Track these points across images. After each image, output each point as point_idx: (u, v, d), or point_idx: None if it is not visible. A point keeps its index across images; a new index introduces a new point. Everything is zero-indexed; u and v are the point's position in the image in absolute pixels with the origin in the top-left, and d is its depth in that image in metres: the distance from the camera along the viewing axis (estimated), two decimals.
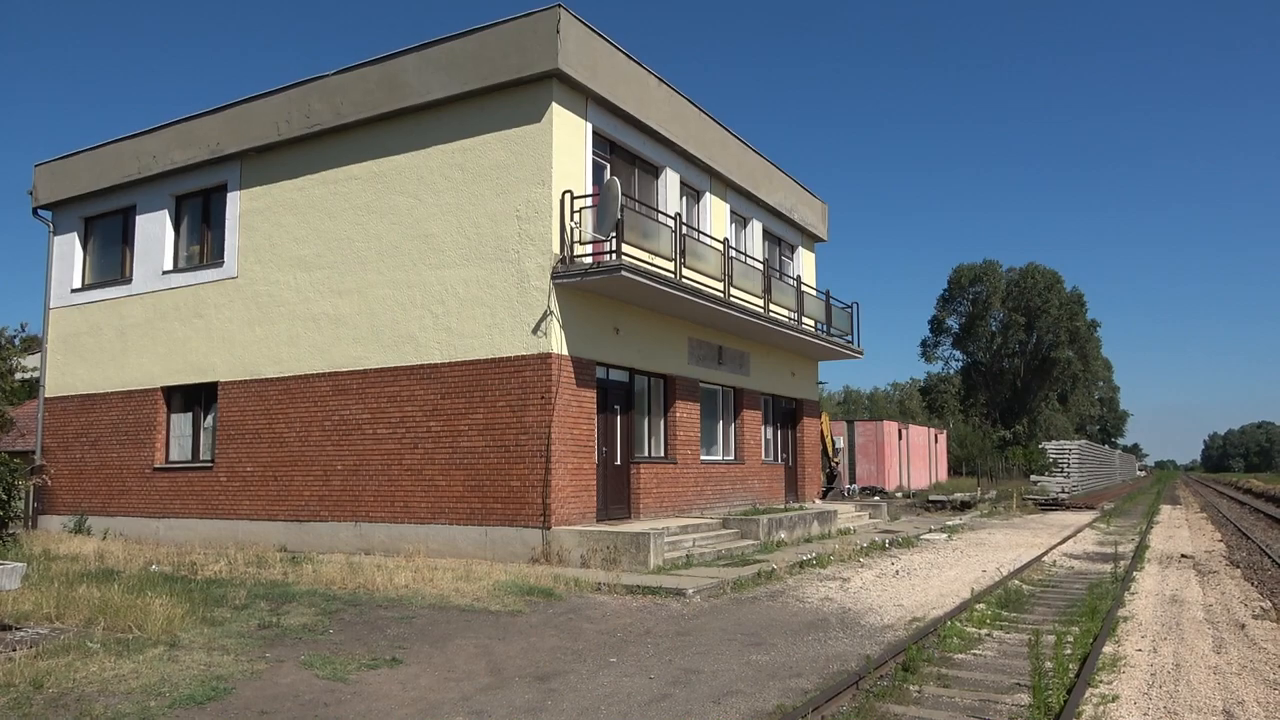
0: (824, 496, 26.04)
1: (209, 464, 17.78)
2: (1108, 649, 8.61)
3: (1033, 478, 44.58)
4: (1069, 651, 8.38)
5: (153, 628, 8.37)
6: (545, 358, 14.01)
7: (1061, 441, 48.67)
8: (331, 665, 7.52)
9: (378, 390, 15.60)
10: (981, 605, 11.00)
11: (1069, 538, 20.70)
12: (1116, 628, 9.65)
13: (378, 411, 15.55)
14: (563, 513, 13.93)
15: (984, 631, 9.60)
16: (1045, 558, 16.42)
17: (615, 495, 15.76)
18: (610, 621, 9.82)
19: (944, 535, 20.22)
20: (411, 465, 15.06)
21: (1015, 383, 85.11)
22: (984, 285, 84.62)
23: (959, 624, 9.79)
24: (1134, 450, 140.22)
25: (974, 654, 8.55)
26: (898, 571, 14.11)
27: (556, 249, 14.23)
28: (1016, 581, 13.29)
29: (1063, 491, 37.37)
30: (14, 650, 7.39)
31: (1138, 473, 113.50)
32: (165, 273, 18.94)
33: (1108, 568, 15.20)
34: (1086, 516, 28.92)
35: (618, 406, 16.12)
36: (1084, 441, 53.17)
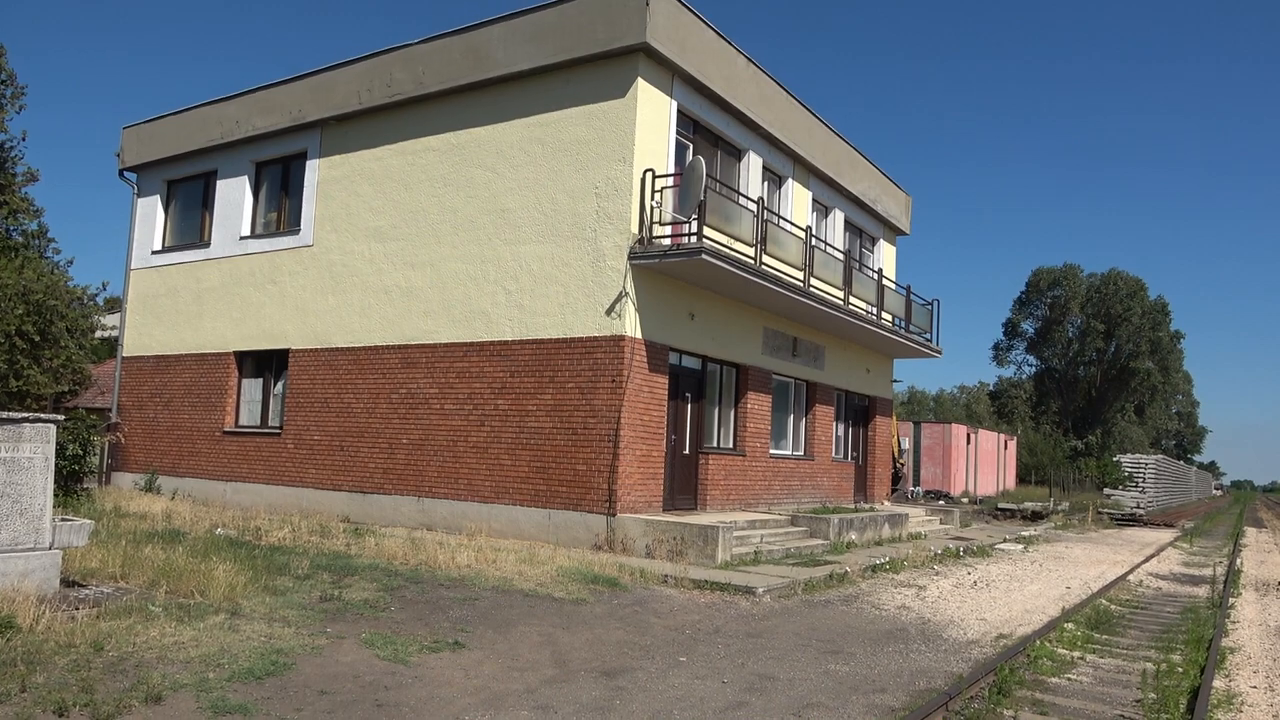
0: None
1: (277, 430, 17.84)
2: (1218, 683, 7.94)
3: (1106, 491, 42.91)
4: (1171, 683, 7.72)
5: (215, 594, 8.22)
6: (618, 340, 13.64)
7: (1138, 455, 46.77)
8: (393, 645, 7.25)
9: (446, 365, 15.41)
10: (1070, 625, 10.35)
11: (1151, 556, 19.68)
12: (1224, 660, 8.93)
13: (445, 387, 15.36)
14: (629, 500, 13.56)
15: (1075, 654, 8.97)
16: (1130, 576, 15.56)
17: (682, 485, 15.35)
18: (678, 617, 9.42)
19: (1019, 546, 19.38)
20: (477, 443, 14.84)
21: (1090, 392, 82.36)
22: (1063, 289, 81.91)
23: (1048, 644, 9.18)
24: (1211, 468, 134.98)
25: (1068, 678, 7.95)
26: (975, 582, 13.44)
27: (635, 229, 13.81)
28: (1104, 601, 12.55)
29: (1138, 507, 35.84)
30: (77, 609, 7.28)
31: (1214, 491, 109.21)
32: (243, 238, 19.04)
33: (1199, 591, 14.32)
34: (1166, 535, 27.63)
35: (688, 394, 15.68)
36: (1160, 456, 51.10)
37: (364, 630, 7.69)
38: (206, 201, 20.11)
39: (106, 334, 23.31)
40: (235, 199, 19.28)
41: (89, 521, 8.42)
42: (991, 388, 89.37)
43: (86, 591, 8.08)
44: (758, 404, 17.28)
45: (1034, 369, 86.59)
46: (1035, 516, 30.34)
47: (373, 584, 9.65)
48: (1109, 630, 10.48)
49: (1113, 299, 79.60)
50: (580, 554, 12.61)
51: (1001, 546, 19.01)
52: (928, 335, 22.62)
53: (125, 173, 21.45)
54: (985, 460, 49.20)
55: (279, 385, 18.24)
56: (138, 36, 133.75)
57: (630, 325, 13.70)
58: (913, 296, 21.84)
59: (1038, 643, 9.12)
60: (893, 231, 24.06)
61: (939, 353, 22.96)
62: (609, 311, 13.74)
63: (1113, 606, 12.23)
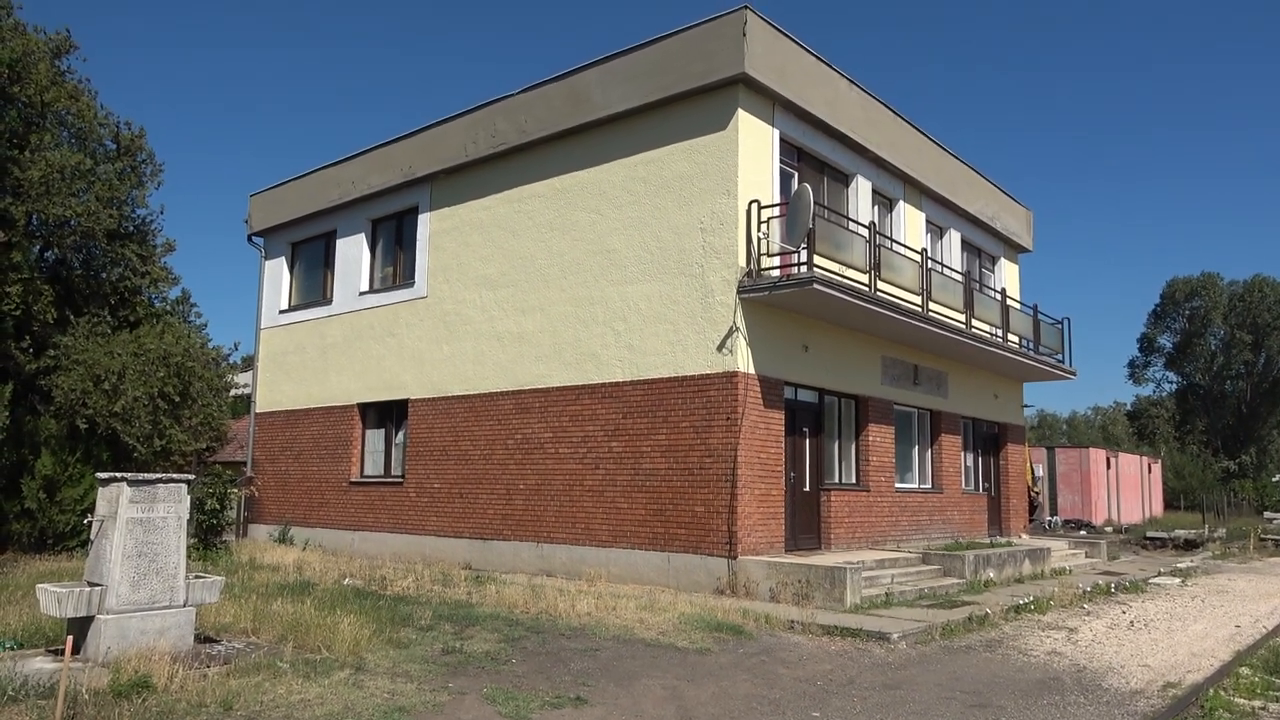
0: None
1: (399, 479, 18.20)
2: None
3: (1266, 514, 39.72)
4: None
5: (340, 648, 8.26)
6: (731, 376, 13.32)
7: None
8: (514, 702, 7.07)
9: (559, 409, 15.40)
10: (1246, 669, 9.35)
11: None
12: None
13: (560, 431, 15.34)
14: (749, 541, 13.14)
15: (1256, 704, 8.05)
16: None
17: (804, 524, 14.81)
18: (807, 667, 8.95)
19: (1176, 580, 17.91)
20: (593, 486, 14.72)
21: (1240, 407, 76.67)
22: (1203, 300, 76.74)
23: (1224, 693, 8.28)
24: None
25: None
26: (1132, 622, 12.40)
27: (742, 262, 13.55)
28: None
29: None
30: (209, 666, 7.40)
31: None
32: (362, 293, 19.68)
33: None
34: None
35: (806, 429, 15.19)
36: None
37: (485, 685, 7.55)
38: (328, 260, 20.92)
39: (240, 391, 24.44)
40: (354, 256, 19.98)
41: (220, 578, 8.62)
42: (1129, 408, 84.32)
43: (219, 647, 8.24)
44: (879, 436, 16.61)
45: (1175, 386, 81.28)
46: (1189, 545, 28.17)
47: (494, 634, 9.55)
48: None
49: (1259, 307, 74.13)
50: (701, 599, 12.25)
51: (1156, 580, 17.61)
52: (1059, 356, 21.41)
53: (253, 237, 22.58)
54: (1128, 485, 46.24)
55: (400, 435, 18.64)
56: (257, 104, 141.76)
57: (742, 360, 13.38)
58: (1040, 316, 20.74)
59: (1212, 691, 8.26)
60: (1014, 249, 23.01)
61: (1073, 374, 21.69)
62: (720, 348, 13.46)
63: None
